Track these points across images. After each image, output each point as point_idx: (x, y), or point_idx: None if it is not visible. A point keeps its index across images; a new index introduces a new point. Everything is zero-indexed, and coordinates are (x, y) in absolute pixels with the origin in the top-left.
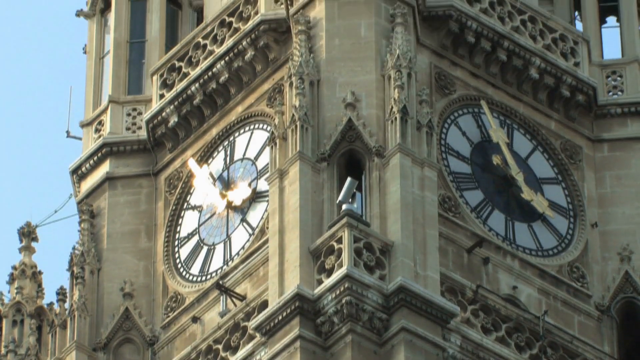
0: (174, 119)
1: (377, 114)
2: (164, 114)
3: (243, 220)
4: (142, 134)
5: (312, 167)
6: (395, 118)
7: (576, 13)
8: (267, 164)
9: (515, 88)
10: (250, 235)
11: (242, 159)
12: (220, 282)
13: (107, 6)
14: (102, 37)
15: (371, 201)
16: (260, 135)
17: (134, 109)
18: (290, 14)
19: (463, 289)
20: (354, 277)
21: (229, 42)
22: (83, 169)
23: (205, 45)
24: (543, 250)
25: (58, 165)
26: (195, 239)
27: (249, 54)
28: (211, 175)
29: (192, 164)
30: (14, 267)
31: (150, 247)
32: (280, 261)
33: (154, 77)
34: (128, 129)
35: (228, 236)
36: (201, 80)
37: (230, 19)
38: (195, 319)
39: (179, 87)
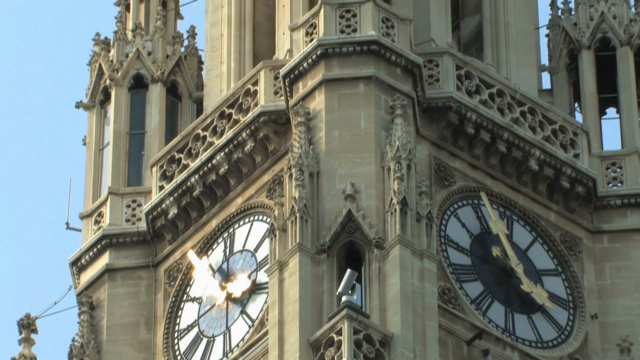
0: (173, 211)
1: (377, 205)
2: (163, 205)
3: (243, 312)
4: (142, 225)
5: (312, 259)
6: (395, 209)
7: (576, 104)
8: (267, 255)
9: (515, 179)
10: (250, 327)
11: (241, 251)
12: None
13: (106, 98)
14: (102, 128)
15: (371, 293)
16: (260, 227)
17: (134, 201)
18: (290, 106)
19: None
20: None
21: (228, 134)
22: (83, 260)
23: (205, 137)
24: (543, 342)
25: (58, 257)
26: (195, 330)
27: (249, 145)
28: (211, 267)
29: (191, 255)
30: (14, 359)
31: (150, 338)
32: (280, 353)
33: (154, 169)
34: (128, 220)
35: (228, 328)
36: (201, 172)
37: (230, 110)
38: None
39: (178, 178)
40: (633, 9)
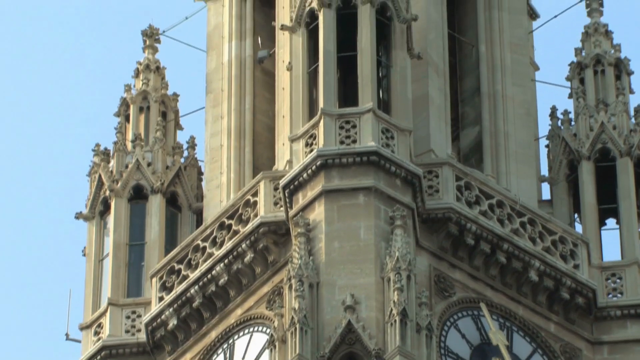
0: (173, 322)
1: (377, 316)
2: (163, 316)
3: None
4: (142, 336)
5: None
6: (395, 321)
7: (576, 215)
8: None
9: (515, 290)
10: None
11: None
12: None
13: (106, 209)
14: (102, 239)
15: None
16: (260, 338)
17: (133, 312)
18: (289, 217)
19: None
20: None
21: (228, 245)
22: None
23: (204, 248)
24: None
25: None
26: None
27: (249, 256)
28: None
29: None
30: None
31: None
32: None
33: (154, 280)
34: (127, 331)
35: None
36: (200, 283)
37: (230, 221)
38: None
39: (178, 289)
40: (633, 120)
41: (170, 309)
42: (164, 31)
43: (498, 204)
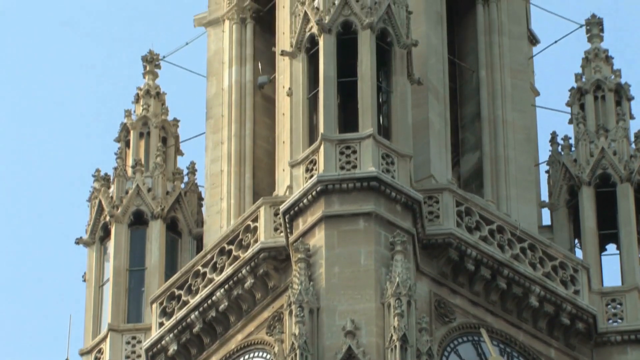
0: (173, 348)
1: (377, 342)
2: (163, 342)
3: None
4: None
5: None
6: (395, 346)
7: (576, 240)
8: None
9: (515, 316)
10: None
11: None
12: None
13: (106, 234)
14: (102, 265)
15: None
16: None
17: (134, 337)
18: (290, 242)
19: None
20: None
21: (228, 270)
22: None
23: (205, 274)
24: None
25: None
26: None
27: (249, 282)
28: None
29: None
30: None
31: None
32: None
33: (154, 305)
34: (127, 357)
35: None
36: (201, 309)
37: (230, 247)
38: None
39: (178, 315)
40: (633, 145)
41: (171, 335)
42: (164, 57)
43: (498, 229)
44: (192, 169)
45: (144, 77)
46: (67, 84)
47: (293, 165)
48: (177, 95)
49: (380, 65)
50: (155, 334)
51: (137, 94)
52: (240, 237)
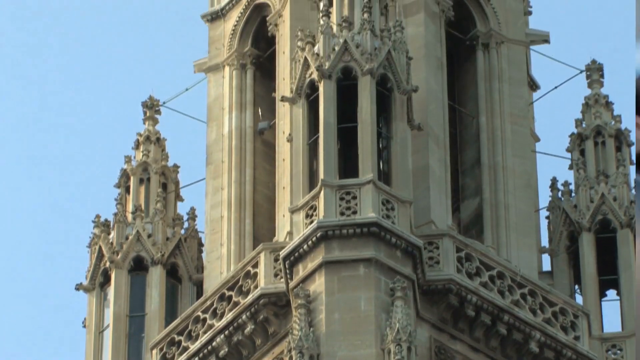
0: None
1: None
2: None
3: None
4: None
5: None
6: None
7: (576, 286)
8: None
9: None
10: None
11: None
12: None
13: (106, 280)
14: (102, 310)
15: None
16: None
17: None
18: (290, 288)
19: None
20: None
21: (228, 316)
22: None
23: (205, 319)
24: None
25: None
26: None
27: (249, 327)
28: None
29: None
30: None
31: None
32: None
33: (154, 351)
34: None
35: None
36: (201, 354)
37: (230, 292)
38: None
39: None
40: (633, 191)
41: None
42: (164, 102)
43: (499, 275)
44: (192, 215)
45: (144, 123)
46: (67, 129)
47: (293, 211)
48: (177, 141)
49: (380, 110)
50: None
51: (137, 140)
52: (240, 282)
